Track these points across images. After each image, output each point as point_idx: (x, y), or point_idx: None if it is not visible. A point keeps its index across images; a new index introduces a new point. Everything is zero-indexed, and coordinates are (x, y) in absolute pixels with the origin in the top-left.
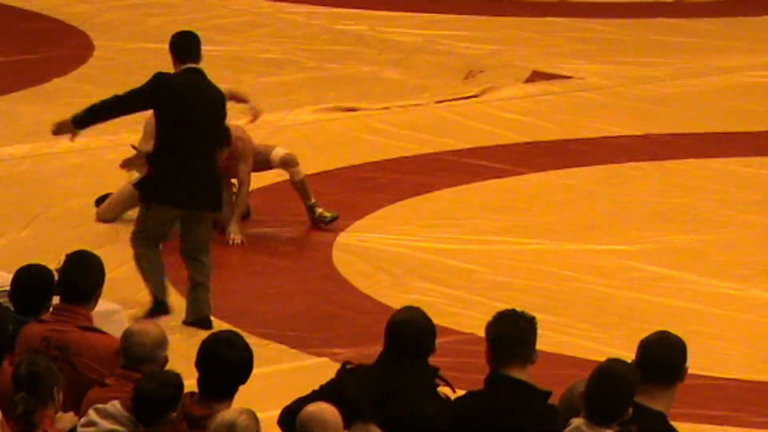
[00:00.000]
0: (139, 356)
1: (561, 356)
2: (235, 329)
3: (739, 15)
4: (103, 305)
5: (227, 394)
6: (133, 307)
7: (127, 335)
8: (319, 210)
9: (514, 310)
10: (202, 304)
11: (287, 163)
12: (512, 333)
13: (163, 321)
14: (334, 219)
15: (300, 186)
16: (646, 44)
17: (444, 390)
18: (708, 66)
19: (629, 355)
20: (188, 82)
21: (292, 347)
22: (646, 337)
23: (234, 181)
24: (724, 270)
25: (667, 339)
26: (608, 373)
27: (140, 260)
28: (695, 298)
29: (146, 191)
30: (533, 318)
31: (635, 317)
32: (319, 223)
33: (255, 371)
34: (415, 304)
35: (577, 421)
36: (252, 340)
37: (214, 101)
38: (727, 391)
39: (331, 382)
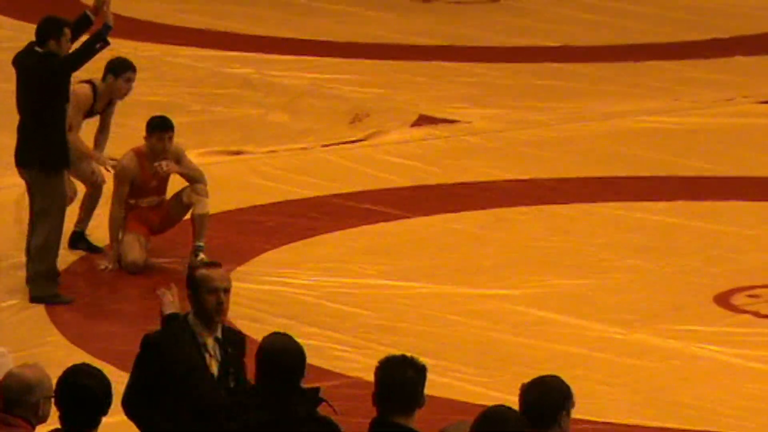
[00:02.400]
0: (9, 400)
1: (447, 400)
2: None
3: (622, 60)
4: None
5: (90, 425)
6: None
7: (4, 378)
8: (202, 256)
9: (404, 357)
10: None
11: (198, 191)
12: (401, 381)
13: None
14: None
15: (199, 221)
16: (532, 89)
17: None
18: (592, 111)
19: (514, 399)
20: (19, 55)
21: None
22: (527, 382)
23: None
24: (609, 314)
25: (547, 383)
26: (493, 418)
27: None
28: (580, 343)
29: None
30: (423, 366)
31: (520, 361)
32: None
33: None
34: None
35: None
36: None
37: (29, 68)
38: None
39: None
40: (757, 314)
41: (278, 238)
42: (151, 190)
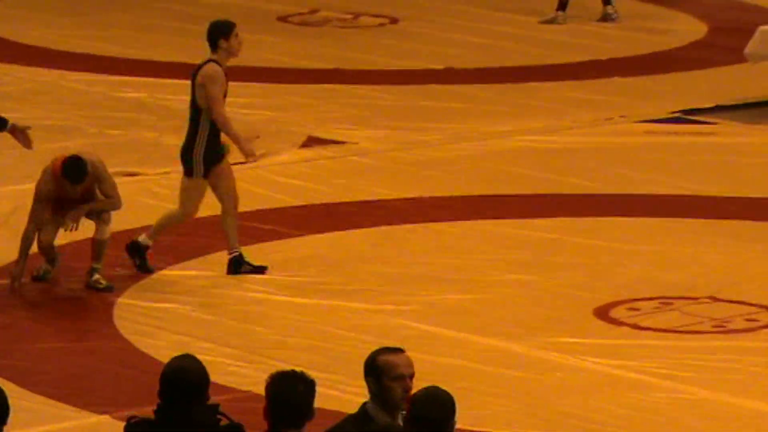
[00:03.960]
0: None
1: (336, 412)
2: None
3: (504, 82)
4: None
5: None
6: None
7: None
8: (97, 276)
9: (294, 372)
10: None
11: (102, 218)
12: (291, 395)
13: None
14: (107, 289)
15: (97, 245)
16: (418, 110)
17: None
18: (476, 131)
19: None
20: None
21: (75, 406)
22: (415, 393)
23: None
24: (493, 328)
25: (435, 395)
26: (431, 395)
27: None
28: (465, 356)
29: None
30: (312, 380)
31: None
32: (91, 288)
33: (38, 429)
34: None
35: None
36: (36, 399)
37: None
38: None
39: None
40: (636, 326)
41: (172, 256)
42: (78, 200)
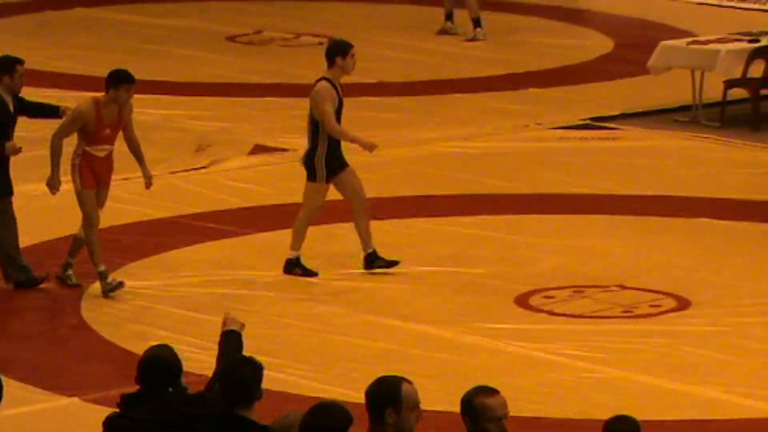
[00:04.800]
0: None
1: (283, 393)
2: None
3: (431, 94)
4: None
5: None
6: None
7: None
8: (70, 272)
9: (243, 357)
10: None
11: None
12: (241, 377)
13: None
14: (76, 285)
15: (79, 243)
16: (353, 120)
17: None
18: (406, 138)
19: (343, 392)
20: None
21: (46, 390)
22: (372, 382)
23: None
24: (425, 316)
25: (383, 382)
26: (320, 411)
27: None
28: (400, 341)
29: None
30: (260, 364)
31: (347, 358)
32: (62, 282)
33: (12, 411)
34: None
35: None
36: (10, 384)
37: None
38: (429, 422)
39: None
40: (551, 312)
41: (134, 254)
42: (104, 138)
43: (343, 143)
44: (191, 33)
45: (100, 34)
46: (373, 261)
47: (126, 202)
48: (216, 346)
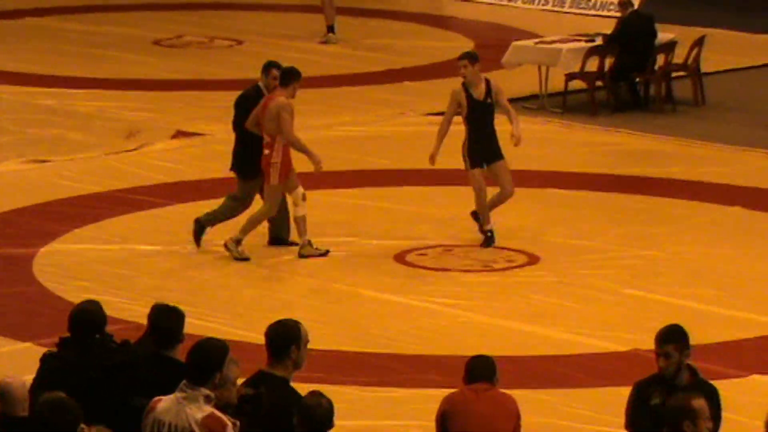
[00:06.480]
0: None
1: (201, 336)
2: None
3: (324, 87)
4: None
5: None
6: None
7: None
8: (240, 248)
9: (167, 305)
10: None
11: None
12: (166, 324)
13: None
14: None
15: (297, 222)
16: None
17: None
18: (304, 125)
19: (254, 336)
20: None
21: (5, 336)
22: (270, 325)
23: None
24: (320, 274)
25: (285, 324)
26: (200, 345)
27: None
28: (299, 293)
29: None
30: (182, 312)
31: (258, 308)
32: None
33: None
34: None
35: (182, 384)
36: None
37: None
38: (321, 360)
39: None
40: (425, 267)
41: (77, 222)
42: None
43: None
44: (123, 38)
45: (52, 41)
46: (491, 240)
47: (71, 180)
48: (144, 299)
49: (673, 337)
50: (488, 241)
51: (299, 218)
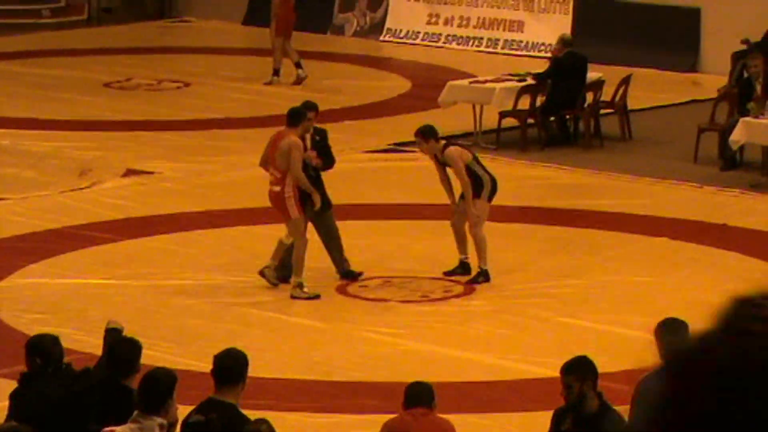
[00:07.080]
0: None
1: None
2: None
3: (267, 126)
4: None
5: None
6: None
7: None
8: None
9: (127, 338)
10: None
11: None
12: (127, 354)
13: None
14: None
15: (280, 248)
16: (205, 148)
17: None
18: (247, 162)
19: (199, 364)
20: None
21: None
22: (217, 354)
23: None
24: (264, 302)
25: (232, 352)
26: (151, 375)
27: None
28: (247, 323)
29: None
30: (139, 343)
31: (203, 338)
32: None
33: None
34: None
35: (134, 415)
36: None
37: None
38: (267, 387)
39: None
40: (366, 299)
41: (34, 257)
42: None
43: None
44: (74, 81)
45: (4, 83)
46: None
47: (24, 216)
48: (96, 330)
49: (573, 369)
50: (463, 268)
51: (285, 244)
